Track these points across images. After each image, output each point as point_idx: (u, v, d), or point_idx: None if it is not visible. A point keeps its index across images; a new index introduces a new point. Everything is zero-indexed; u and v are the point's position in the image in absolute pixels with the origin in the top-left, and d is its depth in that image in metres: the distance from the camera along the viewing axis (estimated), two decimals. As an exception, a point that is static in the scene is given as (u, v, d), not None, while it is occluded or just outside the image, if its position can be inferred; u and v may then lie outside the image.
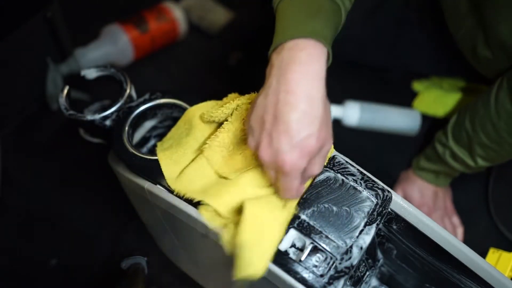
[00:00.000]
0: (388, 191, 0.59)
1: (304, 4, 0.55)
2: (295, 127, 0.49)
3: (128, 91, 0.70)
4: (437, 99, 1.08)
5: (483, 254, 0.80)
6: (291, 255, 0.54)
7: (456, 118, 0.85)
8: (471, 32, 0.79)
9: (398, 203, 0.60)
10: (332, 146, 0.59)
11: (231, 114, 0.60)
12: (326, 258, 0.54)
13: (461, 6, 0.79)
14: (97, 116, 0.69)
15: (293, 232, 0.55)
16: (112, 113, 0.69)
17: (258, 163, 0.56)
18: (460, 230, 0.96)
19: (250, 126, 0.54)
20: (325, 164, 0.59)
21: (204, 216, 0.56)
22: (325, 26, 0.54)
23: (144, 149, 0.75)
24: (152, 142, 0.76)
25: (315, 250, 0.54)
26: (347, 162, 0.60)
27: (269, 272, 0.54)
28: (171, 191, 0.61)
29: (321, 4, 0.55)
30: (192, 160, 0.61)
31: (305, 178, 0.54)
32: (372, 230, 0.56)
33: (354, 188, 0.58)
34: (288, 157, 0.50)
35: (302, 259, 0.53)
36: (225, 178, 0.58)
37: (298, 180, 0.52)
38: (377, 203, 0.57)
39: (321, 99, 0.51)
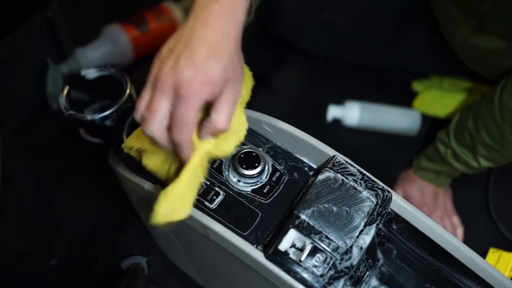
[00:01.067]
0: (388, 191, 0.59)
1: None
2: (202, 55, 0.49)
3: (128, 91, 0.70)
4: (437, 99, 1.08)
5: (483, 254, 0.80)
6: (291, 255, 0.54)
7: (459, 118, 0.85)
8: (464, 39, 0.79)
9: (398, 203, 0.60)
10: (247, 96, 0.58)
11: None
12: (326, 258, 0.54)
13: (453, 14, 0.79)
14: (97, 116, 0.69)
15: (293, 232, 0.55)
16: (112, 113, 0.69)
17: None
18: (460, 230, 0.96)
19: (159, 54, 0.53)
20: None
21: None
22: None
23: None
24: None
25: (315, 250, 0.54)
26: (347, 162, 0.60)
27: (269, 272, 0.54)
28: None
29: None
30: None
31: (209, 130, 0.52)
32: (372, 230, 0.56)
33: (354, 188, 0.58)
34: (189, 78, 0.48)
35: (302, 259, 0.53)
36: None
37: (195, 114, 0.50)
38: (377, 203, 0.57)
39: (234, 40, 0.51)
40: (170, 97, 0.50)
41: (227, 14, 0.51)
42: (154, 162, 0.58)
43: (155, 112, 0.50)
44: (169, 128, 0.51)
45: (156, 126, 0.50)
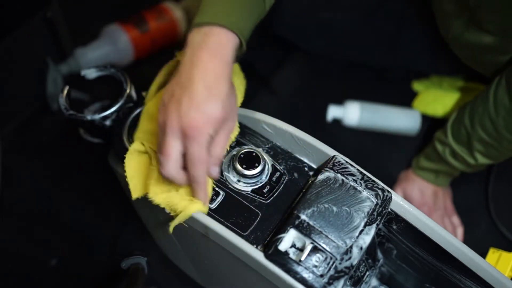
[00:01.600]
0: (388, 191, 0.59)
1: None
2: (202, 96, 0.54)
3: (128, 91, 0.70)
4: (436, 99, 1.08)
5: (483, 254, 0.80)
6: (291, 255, 0.54)
7: (456, 116, 0.85)
8: (458, 34, 0.79)
9: (398, 203, 0.60)
10: (237, 129, 0.63)
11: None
12: (326, 258, 0.54)
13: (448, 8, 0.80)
14: (97, 116, 0.69)
15: (293, 232, 0.55)
16: (112, 113, 0.69)
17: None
18: (460, 230, 0.96)
19: (161, 100, 0.57)
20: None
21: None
22: (243, 18, 0.59)
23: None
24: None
25: (315, 250, 0.54)
26: (347, 162, 0.60)
27: (269, 272, 0.54)
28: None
29: None
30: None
31: (210, 163, 0.57)
32: (372, 230, 0.56)
33: (354, 188, 0.58)
34: (194, 119, 0.53)
35: (302, 259, 0.53)
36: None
37: (206, 150, 0.55)
38: (377, 203, 0.57)
39: (226, 79, 0.56)
40: (180, 139, 0.55)
41: (217, 57, 0.56)
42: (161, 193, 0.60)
43: (170, 155, 0.55)
44: (185, 167, 0.56)
45: (173, 167, 0.55)
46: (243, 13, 0.60)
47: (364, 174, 0.59)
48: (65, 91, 0.71)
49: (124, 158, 0.62)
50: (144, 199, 0.66)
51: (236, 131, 0.62)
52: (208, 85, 0.55)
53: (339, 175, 0.59)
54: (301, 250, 0.55)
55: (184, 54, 0.57)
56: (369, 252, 0.66)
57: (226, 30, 0.57)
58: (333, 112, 1.09)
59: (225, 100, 0.56)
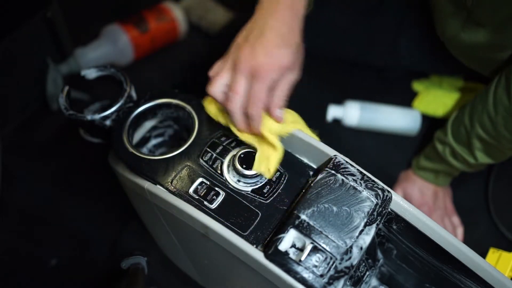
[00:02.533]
0: (388, 191, 0.59)
1: None
2: (274, 44, 0.59)
3: (128, 91, 0.70)
4: (436, 99, 1.08)
5: (483, 254, 0.80)
6: (291, 255, 0.54)
7: (456, 115, 0.85)
8: (455, 34, 0.80)
9: (398, 203, 0.60)
10: (300, 122, 0.65)
11: None
12: (326, 258, 0.54)
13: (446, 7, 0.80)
14: (97, 116, 0.69)
15: (293, 232, 0.55)
16: (112, 113, 0.69)
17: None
18: (460, 230, 0.96)
19: (235, 42, 0.62)
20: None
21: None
22: None
23: (144, 149, 0.75)
24: (152, 142, 0.76)
25: (315, 250, 0.54)
26: (347, 162, 0.60)
27: (269, 272, 0.54)
28: (171, 191, 0.61)
29: None
30: None
31: (271, 104, 0.61)
32: (372, 230, 0.56)
33: (354, 188, 0.58)
34: (264, 63, 0.58)
35: (302, 259, 0.53)
36: None
37: (267, 92, 0.59)
38: (377, 203, 0.57)
39: (298, 32, 0.62)
40: (248, 78, 0.59)
41: (290, 10, 0.61)
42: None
43: (239, 93, 0.60)
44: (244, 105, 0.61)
45: (238, 104, 0.60)
46: None
47: (364, 174, 0.59)
48: (65, 91, 0.71)
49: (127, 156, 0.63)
50: (144, 199, 0.66)
51: (298, 124, 0.64)
52: (281, 34, 0.59)
53: (339, 175, 0.59)
54: (301, 250, 0.55)
55: (261, 3, 0.62)
56: (369, 252, 0.66)
57: None
58: (333, 112, 1.09)
59: (294, 50, 0.60)
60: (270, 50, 0.58)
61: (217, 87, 0.61)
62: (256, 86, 0.59)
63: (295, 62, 0.61)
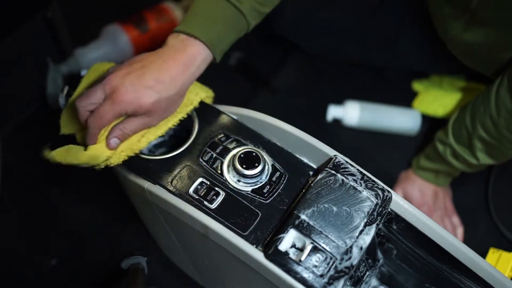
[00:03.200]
0: (388, 191, 0.59)
1: (212, 8, 0.66)
2: (148, 83, 0.60)
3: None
4: (437, 99, 1.08)
5: (483, 254, 0.80)
6: (291, 255, 0.54)
7: (457, 116, 0.85)
8: (457, 35, 0.80)
9: (398, 203, 0.60)
10: (156, 133, 0.65)
11: None
12: (326, 258, 0.54)
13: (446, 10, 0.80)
14: (97, 116, 0.69)
15: (293, 232, 0.55)
16: (112, 113, 0.69)
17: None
18: (460, 230, 0.96)
19: (128, 60, 0.62)
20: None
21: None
22: (220, 35, 0.65)
23: (144, 149, 0.75)
24: (152, 142, 0.76)
25: (315, 250, 0.54)
26: (347, 162, 0.60)
27: (269, 272, 0.54)
28: (171, 191, 0.61)
29: (226, 14, 0.66)
30: None
31: (114, 134, 0.61)
32: (372, 230, 0.56)
33: (354, 188, 0.58)
34: (126, 91, 0.59)
35: (302, 259, 0.53)
36: None
37: (113, 117, 0.60)
38: (377, 203, 0.57)
39: (179, 86, 0.62)
40: (105, 94, 0.60)
41: (185, 65, 0.62)
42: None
43: (90, 96, 0.60)
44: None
45: (85, 104, 0.61)
46: (222, 30, 0.65)
47: (364, 174, 0.59)
48: (65, 91, 0.71)
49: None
50: (144, 199, 0.66)
51: (158, 132, 0.65)
52: (160, 80, 0.60)
53: (339, 175, 0.59)
54: (301, 250, 0.55)
55: (166, 42, 0.64)
56: (369, 252, 0.66)
57: (201, 43, 0.63)
58: (333, 112, 1.09)
59: (162, 100, 0.61)
60: (138, 85, 0.59)
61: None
62: (106, 104, 0.59)
63: (157, 110, 0.62)
